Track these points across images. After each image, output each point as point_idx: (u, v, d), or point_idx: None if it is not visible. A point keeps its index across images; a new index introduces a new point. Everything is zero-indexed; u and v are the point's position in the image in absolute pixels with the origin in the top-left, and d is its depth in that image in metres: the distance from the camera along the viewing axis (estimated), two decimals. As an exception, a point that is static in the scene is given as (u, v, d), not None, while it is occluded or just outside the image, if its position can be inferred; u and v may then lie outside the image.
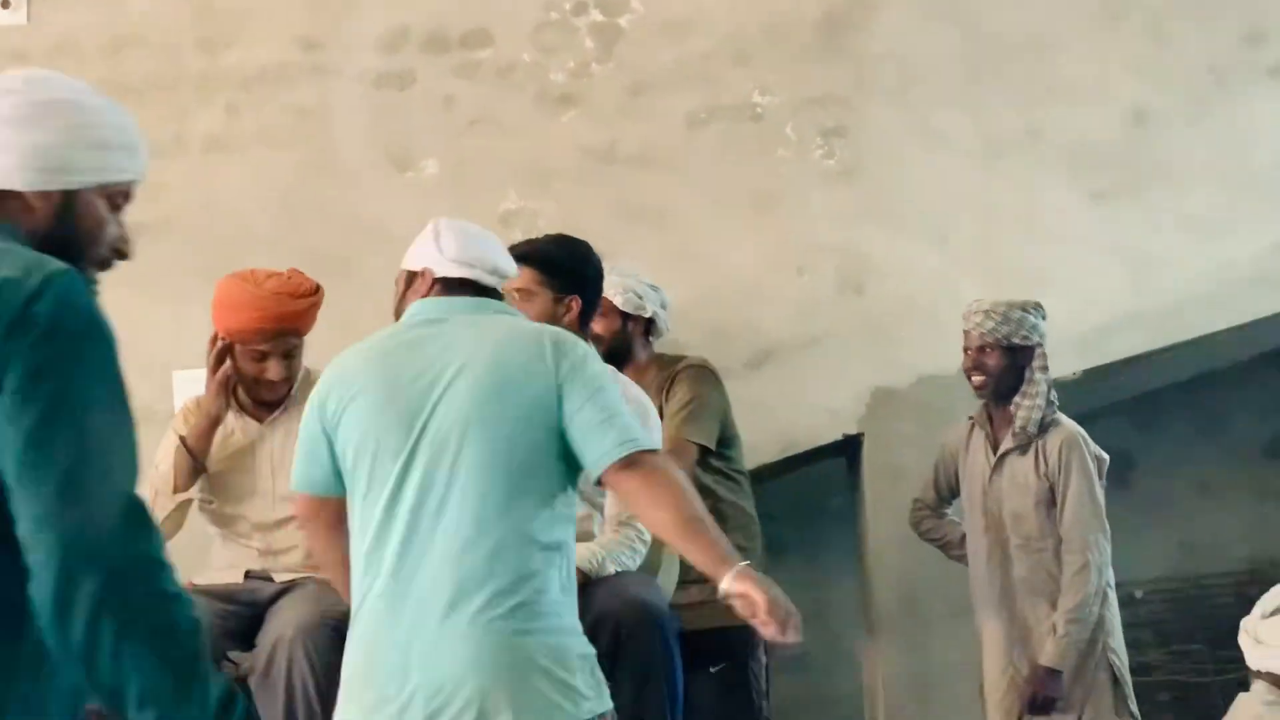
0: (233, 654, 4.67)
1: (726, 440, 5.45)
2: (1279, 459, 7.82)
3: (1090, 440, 5.29)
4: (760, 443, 5.94)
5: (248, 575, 4.87)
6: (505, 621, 3.50)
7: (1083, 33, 6.44)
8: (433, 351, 3.68)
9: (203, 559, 5.03)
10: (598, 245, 4.89)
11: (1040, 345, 5.27)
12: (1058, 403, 5.33)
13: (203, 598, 4.69)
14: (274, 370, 4.84)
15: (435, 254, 3.91)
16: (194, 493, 4.89)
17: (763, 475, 6.07)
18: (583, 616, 4.46)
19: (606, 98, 6.26)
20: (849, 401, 6.25)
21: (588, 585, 4.60)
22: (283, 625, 4.55)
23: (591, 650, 3.66)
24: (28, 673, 2.23)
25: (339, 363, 3.79)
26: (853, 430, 6.27)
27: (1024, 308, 5.31)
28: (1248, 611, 4.39)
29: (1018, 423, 5.26)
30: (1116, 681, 5.19)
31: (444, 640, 3.48)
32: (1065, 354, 5.86)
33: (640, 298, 5.38)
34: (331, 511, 3.76)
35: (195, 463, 4.87)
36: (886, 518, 6.13)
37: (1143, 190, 6.38)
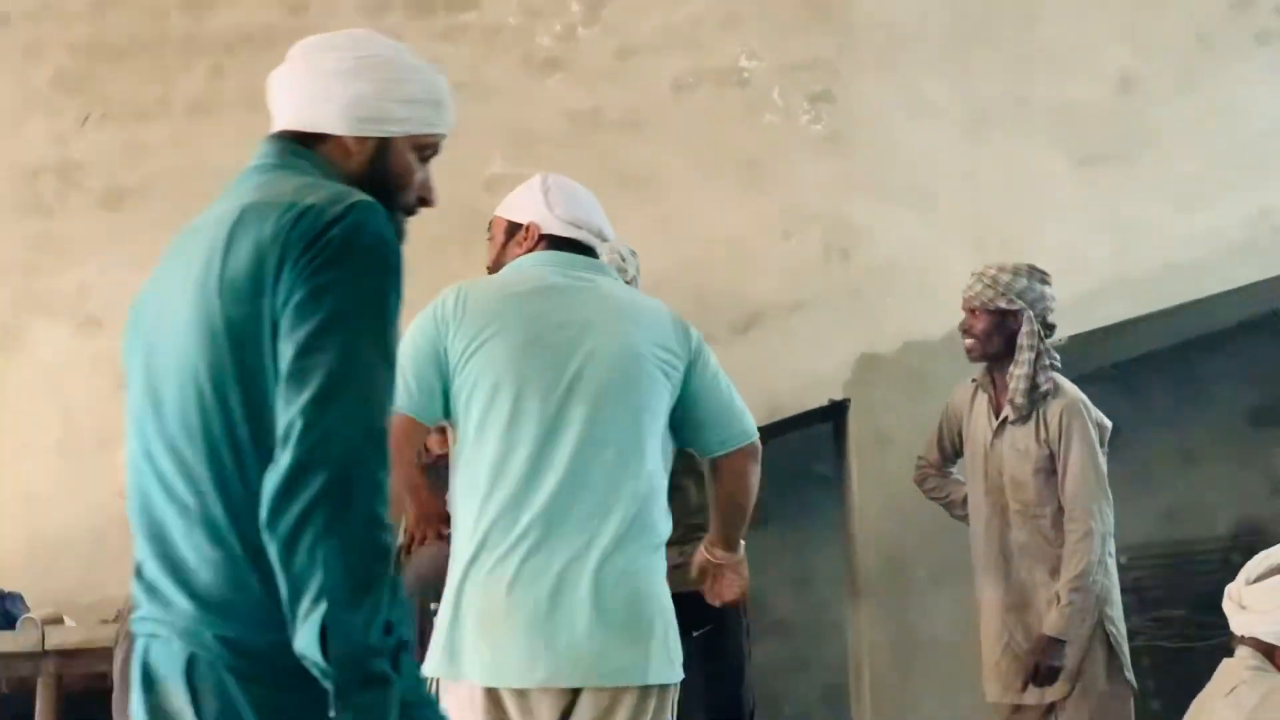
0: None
1: None
2: (1263, 426, 7.84)
3: (1092, 406, 5.26)
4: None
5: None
6: (645, 578, 3.63)
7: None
8: (572, 302, 3.75)
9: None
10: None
11: (1026, 310, 5.23)
12: (1058, 368, 5.28)
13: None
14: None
15: (544, 210, 3.93)
16: None
17: (748, 440, 6.07)
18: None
19: (593, 62, 6.25)
20: (835, 367, 6.25)
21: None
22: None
23: None
24: None
25: (466, 298, 3.73)
26: (839, 396, 6.28)
27: (1015, 271, 5.28)
28: (1231, 578, 4.38)
29: (1011, 394, 5.25)
30: (1113, 650, 5.19)
31: (598, 589, 3.56)
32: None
33: (623, 260, 5.35)
34: (419, 437, 3.78)
35: None
36: (872, 483, 6.14)
37: (1129, 157, 6.38)
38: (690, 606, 4.23)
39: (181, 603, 2.40)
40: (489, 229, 4.15)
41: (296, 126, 2.68)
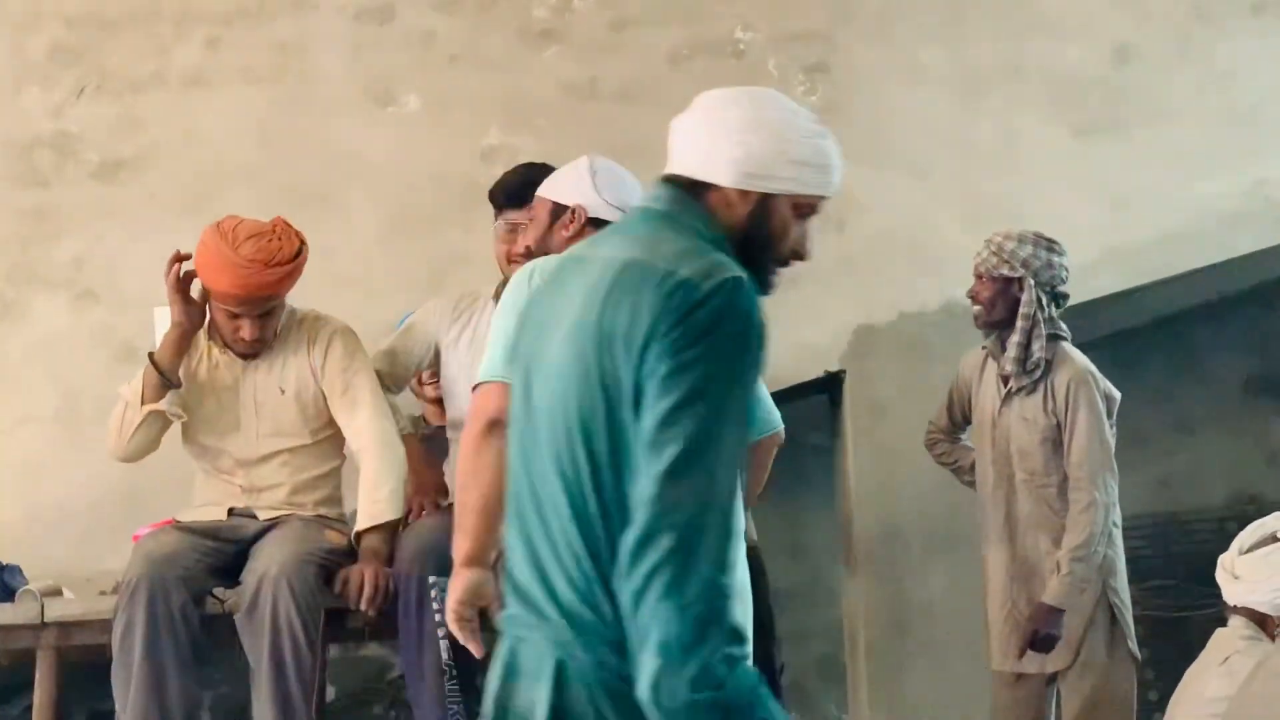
0: (217, 590, 4.68)
1: None
2: (1258, 396, 7.85)
3: (1101, 377, 5.25)
4: (742, 379, 5.95)
5: (231, 513, 4.88)
6: None
7: (1065, -32, 6.44)
8: None
9: (187, 496, 5.04)
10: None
11: (1028, 278, 5.22)
12: (1066, 337, 5.27)
13: (187, 534, 4.72)
14: (246, 330, 4.80)
15: (592, 194, 3.97)
16: (164, 405, 4.84)
17: (744, 411, 6.08)
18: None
19: (588, 33, 6.24)
20: (830, 338, 6.26)
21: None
22: (267, 562, 4.56)
23: None
24: None
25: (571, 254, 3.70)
26: (834, 367, 6.28)
27: (1021, 239, 5.26)
28: (1225, 547, 4.40)
29: (1003, 361, 5.25)
30: (1116, 621, 5.20)
31: None
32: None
33: None
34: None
35: (162, 377, 4.82)
36: (868, 453, 6.15)
37: (1124, 127, 6.38)
38: None
39: (553, 615, 2.60)
40: (532, 208, 4.11)
41: (687, 173, 2.83)
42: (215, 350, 4.93)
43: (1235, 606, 4.27)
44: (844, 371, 6.28)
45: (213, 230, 4.77)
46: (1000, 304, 5.26)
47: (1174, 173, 6.30)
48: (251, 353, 4.88)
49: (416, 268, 6.01)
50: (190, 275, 4.80)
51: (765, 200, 2.82)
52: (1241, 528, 4.43)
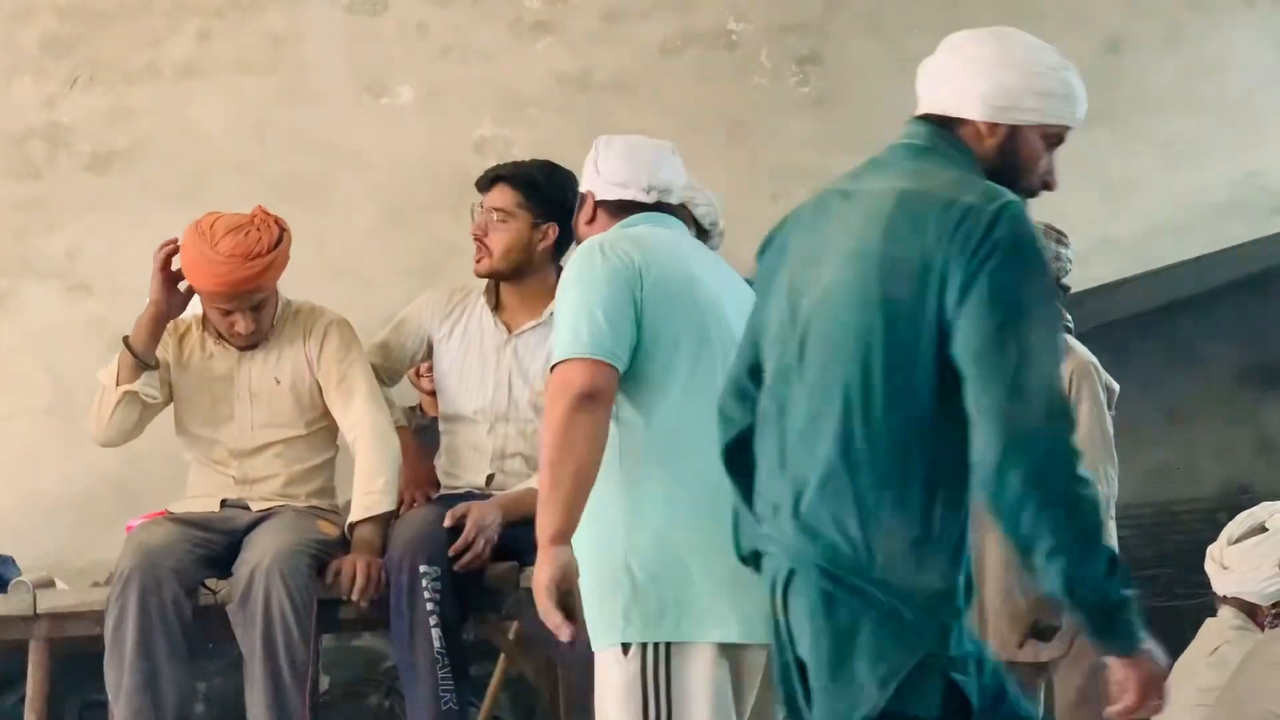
0: (210, 581, 4.69)
1: None
2: (1250, 386, 7.85)
3: (1102, 369, 5.26)
4: (734, 370, 5.96)
5: (224, 504, 4.88)
6: None
7: (1058, -42, 6.44)
8: (702, 263, 3.82)
9: (179, 487, 5.05)
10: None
11: None
12: (1070, 329, 5.27)
13: (179, 525, 4.72)
14: (240, 325, 4.79)
15: (595, 177, 3.93)
16: (138, 386, 4.83)
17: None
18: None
19: (581, 24, 6.24)
20: (823, 328, 6.26)
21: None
22: (260, 553, 4.57)
23: None
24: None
25: (647, 245, 3.70)
26: (826, 357, 6.28)
27: None
28: (1216, 537, 4.42)
29: None
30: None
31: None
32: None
33: (719, 215, 5.17)
34: (614, 390, 3.58)
35: (136, 359, 4.81)
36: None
37: (1117, 117, 6.38)
38: None
39: (789, 528, 2.87)
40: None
41: (939, 110, 3.02)
42: (209, 341, 4.93)
43: (1225, 597, 4.29)
44: (836, 362, 6.28)
45: (192, 229, 4.76)
46: None
47: (1165, 163, 6.31)
48: (250, 345, 4.89)
49: (409, 259, 6.02)
50: (180, 271, 4.80)
51: (1014, 132, 3.00)
52: (1232, 518, 4.45)
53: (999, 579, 5.31)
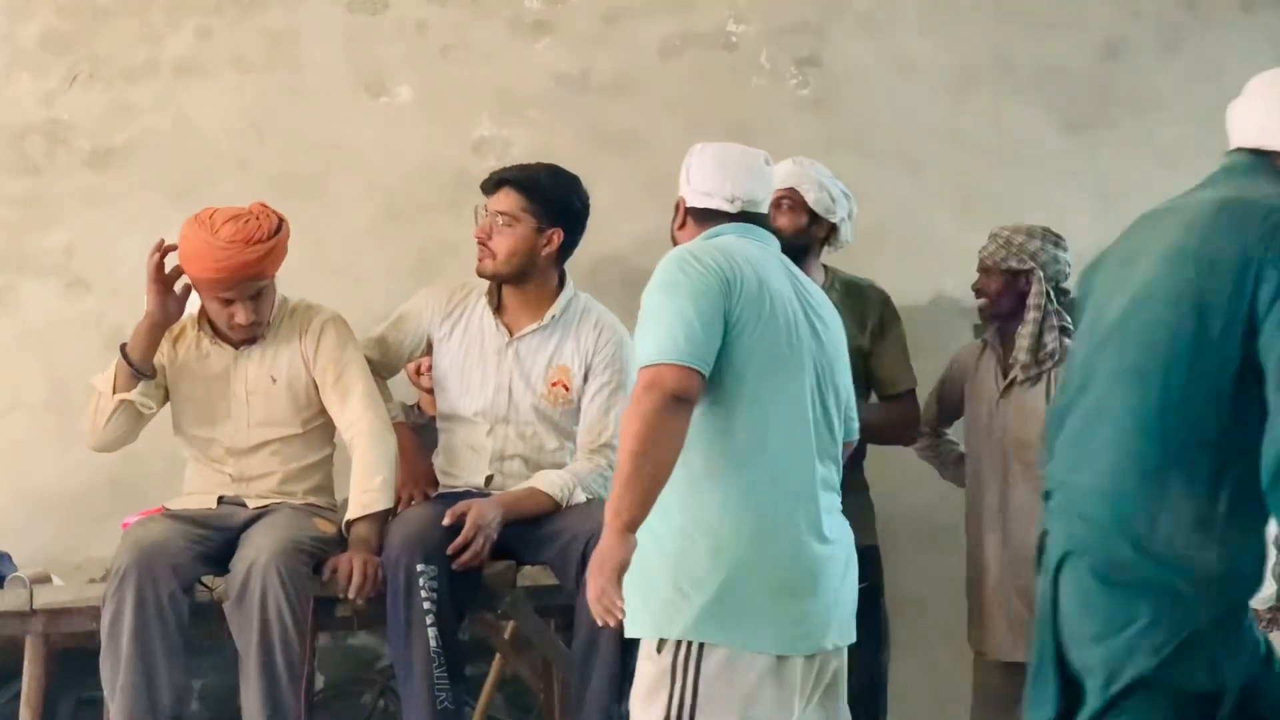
0: (206, 578, 4.69)
1: None
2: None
3: None
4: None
5: (221, 501, 4.88)
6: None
7: (1055, -39, 6.45)
8: (781, 277, 3.87)
9: (176, 484, 5.05)
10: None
11: (1037, 271, 5.26)
12: (1070, 331, 5.29)
13: (176, 522, 4.72)
14: (241, 315, 4.80)
15: (685, 185, 4.01)
16: (134, 395, 4.84)
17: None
18: (555, 539, 4.53)
19: (580, 25, 6.24)
20: (820, 330, 6.26)
21: (559, 510, 4.66)
22: (256, 550, 4.57)
23: None
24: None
25: (734, 257, 3.78)
26: (824, 359, 6.28)
27: (1029, 233, 5.32)
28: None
29: (1015, 352, 5.28)
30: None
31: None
32: (1035, 284, 5.88)
33: (833, 201, 5.19)
34: (698, 396, 3.68)
35: (132, 367, 4.82)
36: (856, 446, 6.16)
37: (1114, 121, 6.39)
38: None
39: (1075, 499, 3.12)
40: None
41: (1250, 144, 3.32)
42: (205, 340, 4.93)
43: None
44: (833, 363, 6.28)
45: (191, 221, 4.78)
46: (1007, 296, 5.31)
47: (1164, 167, 6.30)
48: (249, 338, 4.89)
49: (407, 257, 6.02)
50: (176, 271, 4.80)
51: None
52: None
53: (999, 580, 5.32)
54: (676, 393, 3.56)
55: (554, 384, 4.88)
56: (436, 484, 4.99)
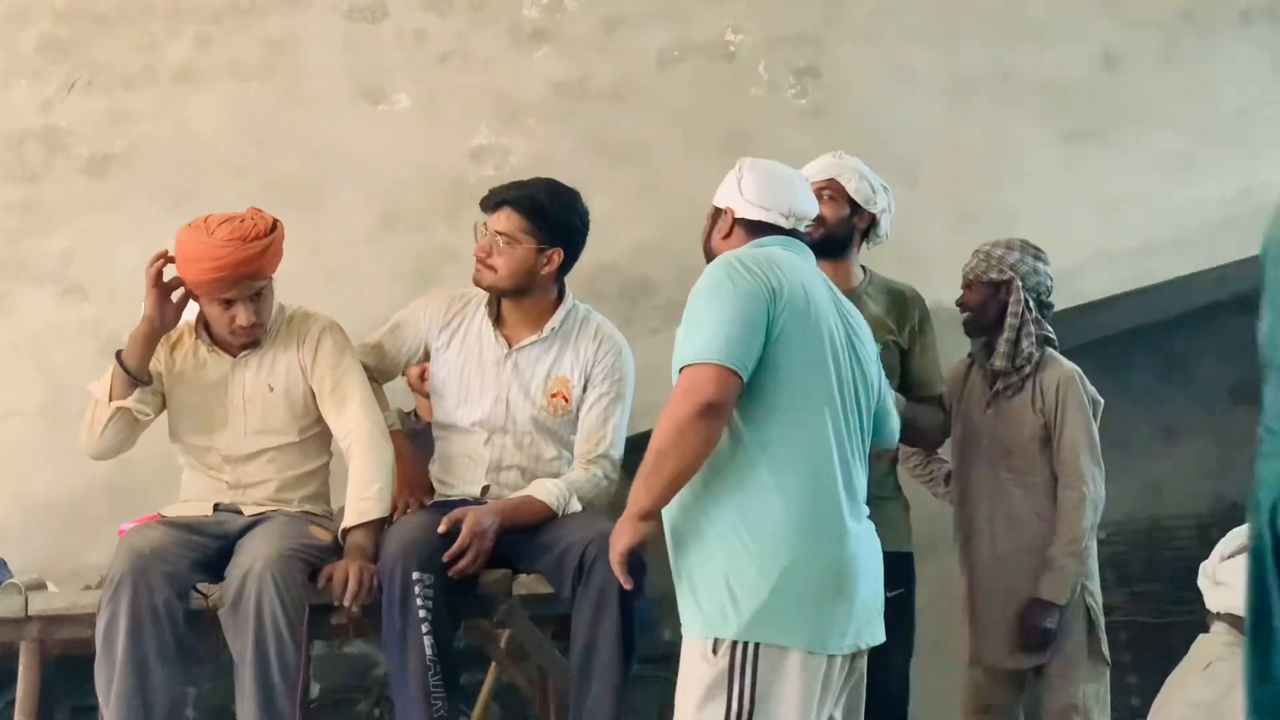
0: (201, 586, 4.68)
1: None
2: (1243, 403, 7.86)
3: (1087, 381, 5.32)
4: (728, 380, 5.96)
5: (216, 508, 4.88)
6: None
7: (1054, -27, 6.46)
8: (822, 288, 4.01)
9: (172, 491, 5.04)
10: (568, 181, 4.89)
11: (1015, 280, 5.28)
12: (1053, 341, 5.32)
13: (172, 529, 4.71)
14: (242, 316, 4.80)
15: (736, 194, 4.15)
16: (130, 402, 4.84)
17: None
18: (551, 548, 4.53)
19: (579, 34, 6.25)
20: (817, 340, 6.26)
21: (555, 519, 4.65)
22: (252, 558, 4.56)
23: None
24: None
25: (781, 267, 3.93)
26: (821, 369, 6.28)
27: (1008, 246, 5.35)
28: (1208, 553, 4.43)
29: (993, 358, 5.30)
30: (1092, 624, 5.23)
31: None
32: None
33: (873, 191, 5.19)
34: (735, 400, 3.82)
35: (128, 374, 4.82)
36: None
37: (1112, 132, 6.40)
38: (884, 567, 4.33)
39: None
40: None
41: None
42: (203, 348, 4.92)
43: (1217, 613, 4.29)
44: (831, 374, 6.28)
45: (185, 227, 4.78)
46: (990, 307, 5.33)
47: (1161, 178, 6.32)
48: (251, 341, 4.87)
49: (405, 264, 6.02)
50: (175, 280, 4.79)
51: None
52: (1224, 534, 4.45)
53: (986, 589, 5.32)
54: (713, 400, 3.72)
55: (554, 395, 4.88)
56: (433, 492, 4.98)
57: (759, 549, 3.78)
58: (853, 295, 4.82)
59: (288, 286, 5.00)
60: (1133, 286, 6.37)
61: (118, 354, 4.83)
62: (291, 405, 4.90)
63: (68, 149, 6.06)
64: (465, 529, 4.56)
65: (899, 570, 4.74)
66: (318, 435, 4.97)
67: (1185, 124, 6.35)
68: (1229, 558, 4.29)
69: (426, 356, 5.04)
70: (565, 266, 4.86)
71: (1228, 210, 6.34)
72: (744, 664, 3.74)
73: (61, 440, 5.64)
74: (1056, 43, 6.43)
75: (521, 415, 4.86)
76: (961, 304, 5.40)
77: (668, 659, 6.11)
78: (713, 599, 3.79)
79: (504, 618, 4.76)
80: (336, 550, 4.76)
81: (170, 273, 4.80)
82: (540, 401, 4.85)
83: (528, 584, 4.71)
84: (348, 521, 4.74)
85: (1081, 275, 6.24)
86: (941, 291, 5.86)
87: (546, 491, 4.70)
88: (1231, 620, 4.21)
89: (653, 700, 6.17)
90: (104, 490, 5.71)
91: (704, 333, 3.79)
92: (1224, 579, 4.26)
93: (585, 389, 4.88)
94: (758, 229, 4.10)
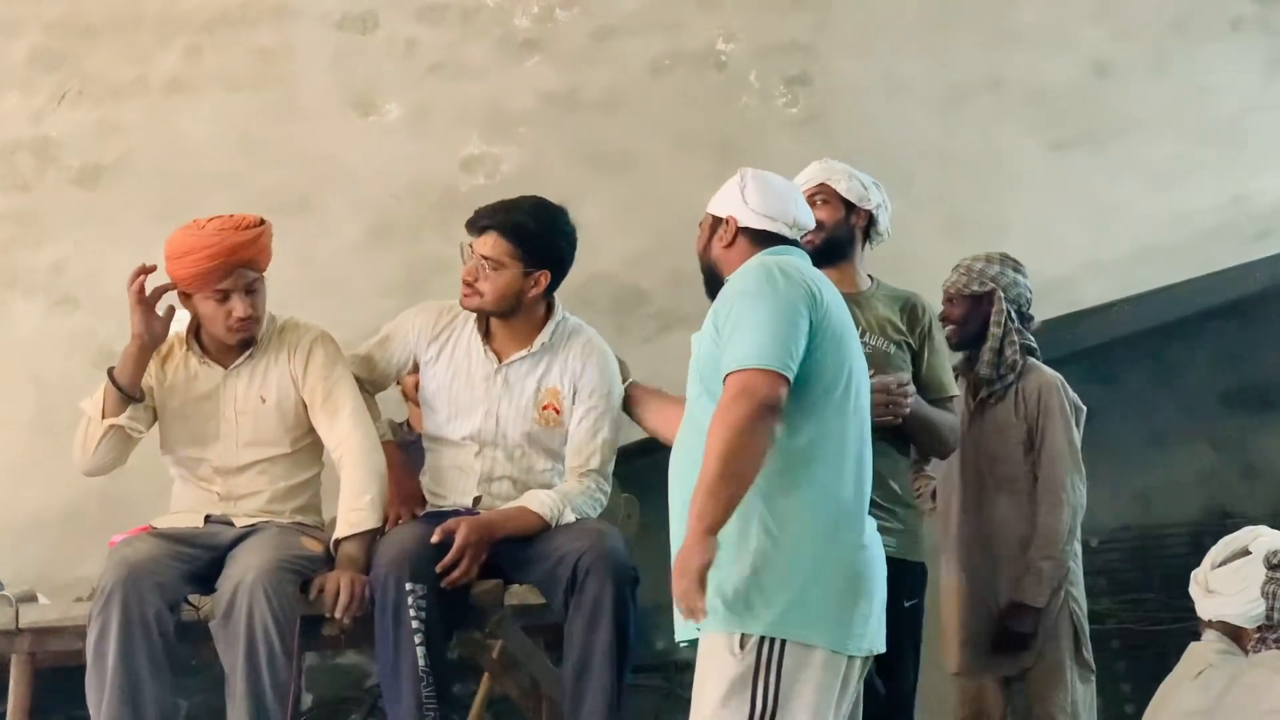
0: (193, 597, 4.67)
1: None
2: (1234, 410, 7.87)
3: (1069, 389, 5.35)
4: (720, 389, 5.96)
5: (208, 520, 4.87)
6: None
7: (1045, -19, 6.47)
8: (835, 294, 4.07)
9: (163, 503, 5.04)
10: (559, 191, 4.88)
11: (996, 291, 5.32)
12: (1035, 351, 5.36)
13: (163, 540, 4.71)
14: (239, 308, 4.78)
15: (740, 203, 4.16)
16: (123, 420, 4.83)
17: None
18: (544, 559, 4.53)
19: (570, 43, 6.25)
20: (809, 348, 6.26)
21: (548, 530, 4.65)
22: (243, 569, 4.55)
23: None
24: None
25: (814, 275, 4.01)
26: (813, 378, 6.28)
27: (988, 259, 5.40)
28: (1200, 561, 4.43)
29: (978, 367, 5.33)
30: (1075, 630, 5.25)
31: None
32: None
33: (864, 188, 5.18)
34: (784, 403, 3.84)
35: (120, 391, 4.81)
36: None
37: (1103, 141, 6.41)
38: (901, 575, 4.34)
39: None
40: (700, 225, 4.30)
41: None
42: (194, 360, 4.91)
43: (1209, 620, 4.29)
44: (822, 383, 6.28)
45: (176, 231, 4.79)
46: (973, 320, 5.38)
47: (1152, 187, 6.33)
48: (248, 337, 4.86)
49: (395, 274, 6.01)
50: (158, 292, 4.78)
51: None
52: (1216, 542, 4.46)
53: (960, 599, 5.34)
54: (767, 401, 3.74)
55: (545, 407, 4.87)
56: (425, 503, 4.97)
57: (789, 547, 3.80)
58: (861, 298, 4.84)
59: (278, 296, 4.99)
60: (1124, 294, 6.38)
61: (109, 371, 4.82)
62: (283, 416, 4.89)
63: (59, 160, 6.05)
64: (458, 539, 4.55)
65: (915, 580, 4.76)
66: (309, 446, 4.96)
67: (1176, 132, 6.36)
68: (1220, 565, 4.30)
69: (416, 368, 5.04)
70: (553, 284, 4.85)
71: (1219, 218, 6.36)
72: (770, 660, 3.75)
73: (52, 452, 5.63)
74: (1048, 51, 6.44)
75: (512, 429, 4.85)
76: (943, 318, 5.42)
77: (660, 668, 6.12)
78: (741, 594, 3.79)
79: (496, 628, 4.75)
80: (328, 561, 4.75)
81: (153, 284, 4.79)
82: (531, 415, 4.85)
83: (520, 594, 4.71)
84: (340, 532, 4.74)
85: (1073, 283, 6.25)
86: (932, 301, 5.87)
87: (540, 502, 4.70)
88: (1223, 628, 4.22)
89: (648, 711, 6.17)
90: (95, 502, 5.70)
91: (753, 336, 3.81)
92: (1215, 587, 4.26)
93: (574, 400, 4.88)
94: (763, 239, 4.12)
